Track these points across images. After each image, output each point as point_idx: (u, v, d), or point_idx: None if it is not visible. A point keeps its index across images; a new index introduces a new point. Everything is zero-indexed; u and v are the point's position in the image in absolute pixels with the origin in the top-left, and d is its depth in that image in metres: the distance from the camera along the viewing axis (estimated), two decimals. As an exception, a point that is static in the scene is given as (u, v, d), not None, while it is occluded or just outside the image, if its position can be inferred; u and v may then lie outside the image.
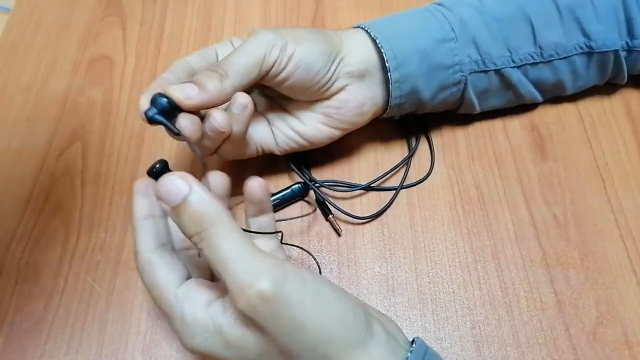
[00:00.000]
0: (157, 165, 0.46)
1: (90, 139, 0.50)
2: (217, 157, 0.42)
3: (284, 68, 0.38)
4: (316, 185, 0.46)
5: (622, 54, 0.46)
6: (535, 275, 0.42)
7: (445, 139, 0.49)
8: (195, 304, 0.30)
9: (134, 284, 0.42)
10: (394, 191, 0.46)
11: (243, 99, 0.37)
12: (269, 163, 0.48)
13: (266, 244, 0.37)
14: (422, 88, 0.43)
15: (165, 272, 0.31)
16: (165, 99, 0.34)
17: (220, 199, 0.34)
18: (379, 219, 0.45)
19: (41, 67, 0.55)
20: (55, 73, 0.55)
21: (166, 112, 0.35)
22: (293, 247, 0.42)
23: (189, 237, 0.29)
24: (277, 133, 0.44)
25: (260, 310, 0.27)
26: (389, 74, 0.42)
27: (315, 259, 0.41)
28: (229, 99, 0.37)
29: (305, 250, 0.42)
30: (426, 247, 0.44)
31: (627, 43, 0.46)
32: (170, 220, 0.34)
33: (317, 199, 0.46)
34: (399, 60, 0.42)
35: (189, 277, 0.32)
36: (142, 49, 0.56)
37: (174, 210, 0.29)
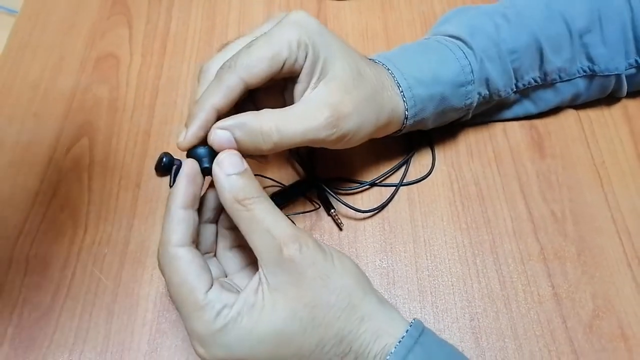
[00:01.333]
0: (164, 159, 0.47)
1: (97, 135, 0.51)
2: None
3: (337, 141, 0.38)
4: (319, 181, 0.47)
5: (630, 71, 0.47)
6: (533, 269, 0.43)
7: (445, 136, 0.50)
8: (225, 306, 0.31)
9: (140, 276, 0.43)
10: (395, 188, 0.47)
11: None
12: (272, 158, 0.49)
13: None
14: (428, 124, 0.45)
15: (197, 273, 0.31)
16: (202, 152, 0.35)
17: None
18: (380, 214, 0.46)
19: (49, 65, 0.56)
20: (63, 71, 0.55)
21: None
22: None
23: (235, 202, 0.31)
24: None
25: (306, 257, 0.31)
26: (405, 120, 0.42)
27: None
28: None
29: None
30: (426, 242, 0.45)
31: (636, 61, 0.47)
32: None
33: (320, 195, 0.47)
34: (417, 108, 0.42)
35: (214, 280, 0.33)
36: (147, 47, 0.57)
37: (231, 177, 0.31)
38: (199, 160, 0.34)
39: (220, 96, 0.34)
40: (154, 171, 0.47)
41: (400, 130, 0.44)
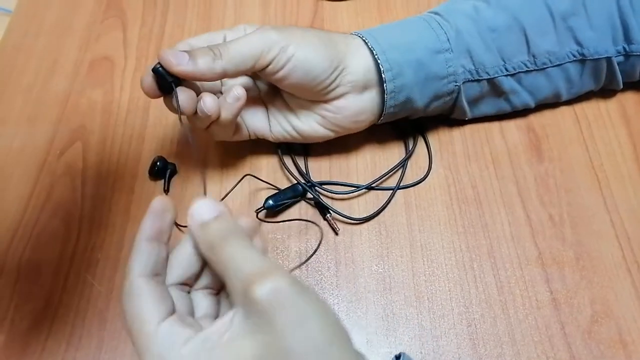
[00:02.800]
0: (158, 163, 0.46)
1: (90, 139, 0.50)
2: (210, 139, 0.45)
3: (282, 68, 0.39)
4: (314, 185, 0.46)
5: (618, 59, 0.47)
6: (531, 274, 0.43)
7: (442, 139, 0.50)
8: (176, 341, 0.28)
9: (134, 282, 0.43)
10: (391, 191, 0.47)
11: (237, 92, 0.40)
12: (267, 161, 0.49)
13: None
14: (416, 97, 0.44)
15: (152, 303, 0.29)
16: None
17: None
18: (376, 218, 0.46)
19: (42, 68, 0.56)
20: (57, 74, 0.55)
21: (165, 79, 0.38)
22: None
23: (208, 249, 0.30)
24: (273, 122, 0.45)
25: (275, 299, 0.27)
26: (384, 85, 0.42)
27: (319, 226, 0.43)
28: (218, 79, 0.39)
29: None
30: (423, 246, 0.44)
31: (624, 48, 0.47)
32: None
33: (314, 200, 0.46)
34: (394, 71, 0.42)
35: (174, 311, 0.30)
36: (142, 50, 0.57)
37: (202, 225, 0.30)
38: (163, 76, 0.38)
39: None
40: (147, 175, 0.48)
41: (385, 102, 0.43)
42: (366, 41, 0.43)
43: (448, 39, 0.44)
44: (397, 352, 0.33)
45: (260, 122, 0.45)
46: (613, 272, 0.43)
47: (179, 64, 0.37)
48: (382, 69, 0.42)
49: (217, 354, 0.28)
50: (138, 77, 0.54)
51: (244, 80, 0.44)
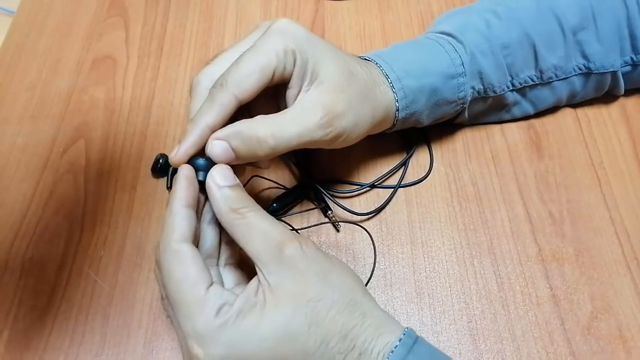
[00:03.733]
0: (161, 160, 0.47)
1: (93, 137, 0.51)
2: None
3: (332, 141, 0.38)
4: (318, 183, 0.46)
5: (625, 69, 0.47)
6: (531, 270, 0.43)
7: (443, 137, 0.50)
8: (226, 303, 0.31)
9: (136, 279, 0.43)
10: (393, 189, 0.47)
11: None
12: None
13: None
14: (423, 118, 0.44)
15: (200, 268, 0.31)
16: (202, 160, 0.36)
17: None
18: (377, 215, 0.46)
19: (45, 66, 0.56)
20: (59, 72, 0.55)
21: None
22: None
23: (230, 212, 0.32)
24: None
25: (306, 254, 0.32)
26: (396, 112, 0.42)
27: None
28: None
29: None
30: (423, 243, 0.44)
31: (631, 58, 0.46)
32: None
33: (317, 197, 0.46)
34: (409, 99, 0.42)
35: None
36: (144, 49, 0.57)
37: (224, 188, 0.33)
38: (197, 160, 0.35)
39: (214, 115, 0.35)
40: (150, 172, 0.48)
41: (393, 125, 0.43)
42: (381, 68, 0.42)
43: (462, 63, 0.43)
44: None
45: None
46: (613, 268, 0.43)
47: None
48: (396, 97, 0.41)
49: (258, 309, 0.31)
50: (140, 76, 0.55)
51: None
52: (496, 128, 0.50)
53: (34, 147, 0.50)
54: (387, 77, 0.41)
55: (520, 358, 0.39)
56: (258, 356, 0.30)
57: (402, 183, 0.47)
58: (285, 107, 0.38)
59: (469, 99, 0.44)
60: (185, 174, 0.34)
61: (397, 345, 0.31)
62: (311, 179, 0.47)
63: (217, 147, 0.34)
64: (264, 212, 0.33)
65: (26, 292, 0.43)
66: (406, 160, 0.48)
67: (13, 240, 0.45)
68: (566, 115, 0.51)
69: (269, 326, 0.30)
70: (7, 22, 0.60)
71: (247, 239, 0.32)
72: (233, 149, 0.35)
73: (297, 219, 0.46)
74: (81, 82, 0.55)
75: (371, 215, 0.46)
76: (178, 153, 0.35)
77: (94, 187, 0.48)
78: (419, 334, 0.40)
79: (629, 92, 0.51)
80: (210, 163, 0.35)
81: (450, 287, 0.42)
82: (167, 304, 0.33)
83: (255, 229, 0.32)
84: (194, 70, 0.55)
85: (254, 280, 0.32)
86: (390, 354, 0.31)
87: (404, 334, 0.32)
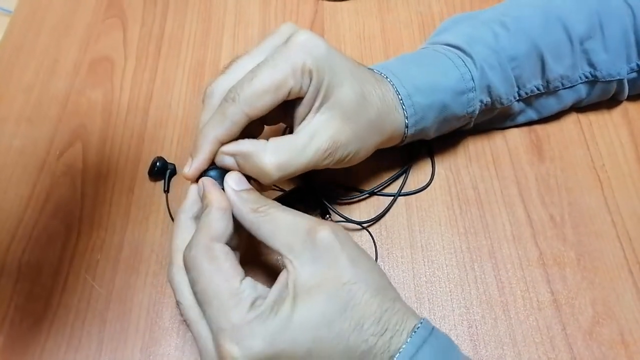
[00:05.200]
0: (158, 163, 0.46)
1: (90, 139, 0.50)
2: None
3: (339, 162, 0.39)
4: (318, 190, 0.46)
5: (631, 75, 0.47)
6: (532, 274, 0.42)
7: (443, 140, 0.49)
8: (259, 296, 0.31)
9: (134, 283, 0.43)
10: (393, 197, 0.47)
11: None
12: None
13: None
14: (430, 133, 0.44)
15: (233, 263, 0.32)
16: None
17: None
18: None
19: (43, 68, 0.55)
20: (57, 74, 0.55)
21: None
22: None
23: (251, 212, 0.33)
24: None
25: (338, 237, 0.32)
26: (405, 129, 0.42)
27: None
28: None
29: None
30: (423, 247, 0.44)
31: (637, 65, 0.46)
32: None
33: (316, 201, 0.46)
34: (418, 116, 0.41)
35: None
36: (142, 50, 0.57)
37: (241, 192, 0.34)
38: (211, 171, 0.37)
39: (223, 130, 0.35)
40: (147, 175, 0.48)
41: (402, 141, 0.43)
42: (392, 84, 0.41)
43: (472, 78, 0.42)
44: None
45: None
46: (614, 272, 0.42)
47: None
48: (405, 114, 0.41)
49: (290, 300, 0.31)
50: (138, 77, 0.55)
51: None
52: (497, 131, 0.50)
53: (30, 149, 0.50)
54: (398, 93, 0.41)
55: (521, 364, 0.39)
56: (295, 348, 0.30)
57: (403, 191, 0.47)
58: (292, 116, 0.37)
59: (477, 112, 0.44)
60: (211, 181, 0.35)
61: (418, 327, 0.32)
62: (310, 183, 0.46)
63: (226, 160, 0.36)
64: (285, 207, 0.34)
65: (22, 296, 0.42)
66: (407, 169, 0.48)
67: (9, 243, 0.45)
68: (567, 118, 0.51)
69: (304, 317, 0.30)
70: (5, 22, 0.59)
71: (275, 234, 0.32)
72: (239, 165, 0.36)
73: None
74: (78, 84, 0.54)
75: (370, 223, 0.45)
76: (191, 169, 0.36)
77: (91, 190, 0.47)
78: None
79: (631, 95, 0.50)
80: (222, 172, 0.36)
81: (450, 291, 0.42)
82: (186, 307, 0.33)
83: (282, 222, 0.33)
84: (193, 72, 0.55)
85: (283, 275, 0.32)
86: (413, 333, 0.31)
87: (421, 322, 0.33)
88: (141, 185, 0.48)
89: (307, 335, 0.30)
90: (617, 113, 0.51)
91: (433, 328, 0.33)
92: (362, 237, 0.45)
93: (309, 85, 0.35)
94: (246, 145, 0.36)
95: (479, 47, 0.43)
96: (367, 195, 0.47)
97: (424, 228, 0.45)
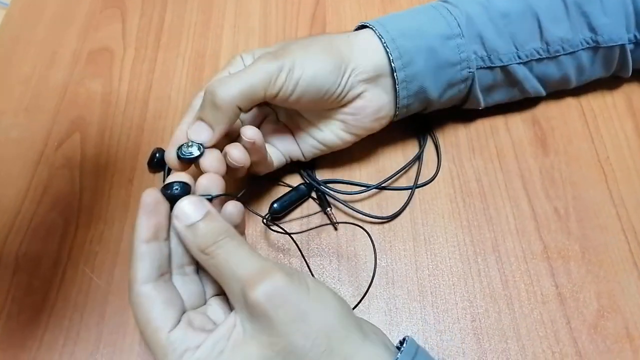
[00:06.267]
0: (157, 154, 0.46)
1: (89, 130, 0.50)
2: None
3: (292, 92, 0.38)
4: (320, 184, 0.45)
5: (629, 47, 0.46)
6: (536, 268, 0.42)
7: (447, 132, 0.49)
8: (189, 348, 0.29)
9: (133, 276, 0.42)
10: (400, 191, 0.46)
11: (248, 135, 0.37)
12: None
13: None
14: (430, 86, 0.43)
15: (162, 310, 0.30)
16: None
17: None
18: (379, 211, 0.45)
19: (41, 58, 0.55)
20: (55, 64, 0.54)
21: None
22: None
23: (199, 252, 0.31)
24: (300, 142, 0.44)
25: (273, 301, 0.28)
26: (394, 74, 0.41)
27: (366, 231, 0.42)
28: (236, 120, 0.37)
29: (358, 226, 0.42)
30: (426, 240, 0.44)
31: (635, 36, 0.46)
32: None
33: (320, 198, 0.45)
34: (404, 59, 0.41)
35: (184, 311, 0.32)
36: (142, 41, 0.56)
37: (191, 227, 0.31)
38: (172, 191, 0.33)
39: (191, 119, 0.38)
40: (147, 167, 0.47)
41: (397, 92, 0.42)
42: (374, 30, 0.42)
43: (459, 25, 0.42)
44: (402, 337, 0.33)
45: (290, 145, 0.44)
46: (619, 266, 0.42)
47: (205, 138, 0.36)
48: (391, 57, 0.41)
49: (226, 357, 0.29)
50: (137, 68, 0.54)
51: (261, 109, 0.44)
52: (500, 123, 0.49)
53: (28, 140, 0.49)
54: (381, 38, 0.41)
55: (525, 357, 0.38)
56: None
57: (410, 184, 0.46)
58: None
59: (475, 64, 0.43)
60: (146, 202, 0.32)
61: None
62: (314, 180, 0.45)
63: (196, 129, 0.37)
64: (236, 243, 0.31)
65: (20, 289, 0.42)
66: (419, 156, 0.47)
67: (7, 236, 0.44)
68: (572, 110, 0.50)
69: None
70: (1, 14, 0.58)
71: (219, 279, 0.31)
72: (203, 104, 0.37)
73: (298, 218, 0.45)
74: (77, 75, 0.53)
75: (386, 220, 0.45)
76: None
77: (89, 182, 0.47)
78: (422, 333, 0.39)
79: (634, 85, 0.49)
80: (187, 187, 0.33)
81: (453, 285, 0.41)
82: None
83: (225, 270, 0.30)
84: (192, 63, 0.54)
85: (231, 319, 0.30)
86: None
87: (400, 352, 0.30)
88: (140, 177, 0.47)
89: None
90: (622, 105, 0.50)
91: None
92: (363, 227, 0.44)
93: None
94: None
95: (467, 2, 0.44)
96: (378, 188, 0.46)
97: (427, 221, 0.44)
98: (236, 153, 0.37)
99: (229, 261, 0.30)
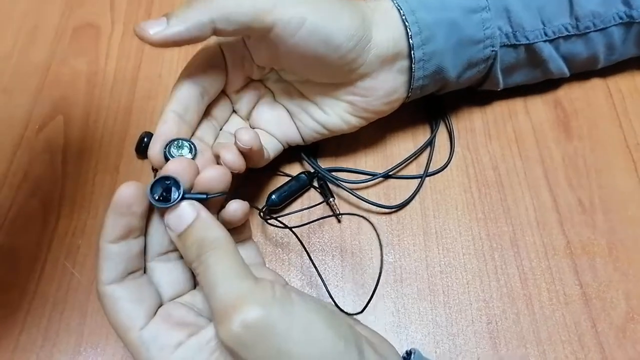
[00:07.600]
0: (146, 139, 0.42)
1: (73, 112, 0.47)
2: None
3: (293, 33, 0.33)
4: (323, 173, 0.42)
5: None
6: (558, 265, 0.39)
7: (461, 116, 0.46)
8: (164, 346, 0.27)
9: (118, 271, 0.39)
10: (409, 179, 0.43)
11: (246, 141, 0.33)
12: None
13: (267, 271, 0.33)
14: (448, 66, 0.39)
15: (129, 310, 0.28)
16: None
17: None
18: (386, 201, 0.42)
19: (21, 34, 0.52)
20: (37, 41, 0.51)
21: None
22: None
23: (191, 264, 0.29)
24: (300, 125, 0.40)
25: (242, 340, 0.25)
26: (412, 52, 0.37)
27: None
28: (207, 37, 0.33)
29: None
30: (438, 233, 0.40)
31: None
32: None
33: (320, 184, 0.42)
34: (424, 35, 0.37)
35: (159, 306, 0.29)
36: (131, 16, 0.53)
37: (179, 237, 0.29)
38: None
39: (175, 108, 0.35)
40: (134, 152, 0.44)
41: (412, 69, 0.38)
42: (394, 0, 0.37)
43: None
44: (408, 348, 0.31)
45: (289, 129, 0.40)
46: (650, 263, 0.39)
47: (157, 32, 0.31)
48: (409, 33, 0.36)
49: None
50: (125, 45, 0.51)
51: (254, 88, 0.39)
52: (519, 105, 0.46)
53: (7, 123, 0.46)
54: (399, 9, 0.37)
55: (546, 364, 0.35)
56: None
57: (426, 171, 0.43)
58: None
59: (498, 42, 0.40)
60: (116, 202, 0.29)
61: None
62: (318, 168, 0.42)
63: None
64: (224, 255, 0.28)
65: (-5, 285, 0.39)
66: (431, 141, 0.44)
67: (-18, 226, 0.41)
68: (597, 90, 0.46)
69: None
70: (-20, -14, 0.55)
71: (206, 293, 0.28)
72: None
73: (297, 211, 0.42)
74: (61, 52, 0.50)
75: (393, 210, 0.41)
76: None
77: (72, 168, 0.44)
78: (433, 337, 0.37)
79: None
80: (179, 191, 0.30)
81: (467, 283, 0.39)
82: None
83: (211, 285, 0.27)
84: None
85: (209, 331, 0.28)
86: None
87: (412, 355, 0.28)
88: (127, 163, 0.44)
89: None
90: (652, 86, 0.47)
91: None
92: (369, 219, 0.40)
93: None
94: None
95: None
96: (385, 177, 0.43)
97: (439, 213, 0.41)
98: (230, 158, 0.33)
99: (217, 278, 0.27)
